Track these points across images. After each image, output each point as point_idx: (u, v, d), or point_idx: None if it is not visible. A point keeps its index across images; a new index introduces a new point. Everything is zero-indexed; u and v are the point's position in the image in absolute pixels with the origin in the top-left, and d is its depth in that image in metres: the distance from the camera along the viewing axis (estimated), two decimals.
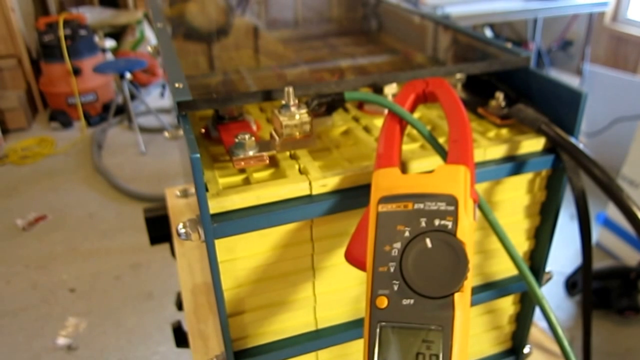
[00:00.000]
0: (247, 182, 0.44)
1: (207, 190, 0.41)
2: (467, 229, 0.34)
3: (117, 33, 3.84)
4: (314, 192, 0.43)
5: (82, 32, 3.28)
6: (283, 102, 0.44)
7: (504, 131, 0.52)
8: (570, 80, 0.48)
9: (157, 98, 3.63)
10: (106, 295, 1.96)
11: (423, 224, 0.34)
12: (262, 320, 0.48)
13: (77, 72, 3.22)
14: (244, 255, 0.44)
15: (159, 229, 0.97)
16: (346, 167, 0.44)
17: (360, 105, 0.57)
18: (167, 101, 3.52)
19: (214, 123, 0.50)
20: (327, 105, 0.48)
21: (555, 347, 0.67)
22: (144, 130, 3.16)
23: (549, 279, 0.58)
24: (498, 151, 0.48)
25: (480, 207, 0.44)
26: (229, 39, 0.73)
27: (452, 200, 0.35)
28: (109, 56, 3.46)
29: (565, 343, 0.47)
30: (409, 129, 0.48)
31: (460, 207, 0.35)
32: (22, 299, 1.94)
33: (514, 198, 0.53)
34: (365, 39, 0.72)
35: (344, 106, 0.57)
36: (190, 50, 0.66)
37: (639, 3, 3.09)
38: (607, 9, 3.05)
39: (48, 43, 3.19)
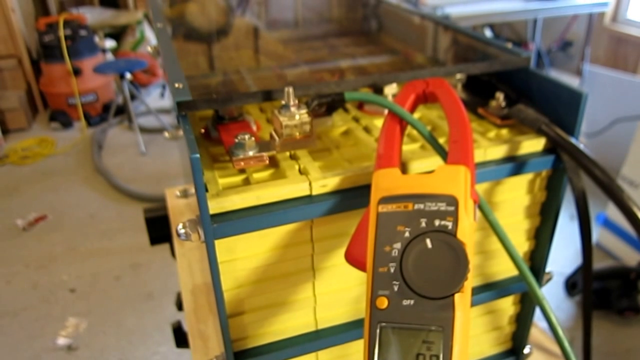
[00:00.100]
0: (247, 182, 0.44)
1: (207, 190, 0.41)
2: (468, 230, 0.34)
3: (117, 33, 3.84)
4: (314, 193, 0.43)
5: (83, 33, 3.28)
6: (283, 102, 0.44)
7: (504, 131, 0.52)
8: (570, 80, 0.48)
9: (157, 98, 3.63)
10: (106, 295, 1.96)
11: (423, 225, 0.34)
12: (262, 321, 0.48)
13: (77, 72, 3.22)
14: (243, 255, 0.44)
15: (159, 229, 0.97)
16: (346, 167, 0.44)
17: (360, 105, 0.57)
18: (167, 101, 3.52)
19: (213, 123, 0.50)
20: (327, 105, 0.48)
21: (555, 348, 0.67)
22: (144, 130, 3.16)
23: (549, 279, 0.58)
24: (498, 151, 0.48)
25: (481, 208, 0.44)
26: (229, 39, 0.73)
27: (452, 201, 0.35)
28: (109, 56, 3.46)
29: (566, 344, 0.47)
30: (409, 129, 0.48)
31: (461, 207, 0.35)
32: (22, 299, 1.94)
33: (514, 198, 0.53)
34: (365, 40, 0.72)
35: (344, 106, 0.57)
36: (190, 50, 0.66)
37: (638, 3, 3.09)
38: (607, 10, 3.05)
39: (48, 43, 3.19)
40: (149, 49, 0.71)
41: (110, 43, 3.46)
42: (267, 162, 0.44)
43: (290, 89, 0.43)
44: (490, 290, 0.55)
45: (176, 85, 0.45)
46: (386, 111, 0.46)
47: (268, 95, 0.45)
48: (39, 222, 2.37)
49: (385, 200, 0.37)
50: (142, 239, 1.04)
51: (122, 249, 2.20)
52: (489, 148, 0.47)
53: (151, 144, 3.06)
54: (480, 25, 3.14)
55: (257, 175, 0.45)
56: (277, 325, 0.49)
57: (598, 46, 3.27)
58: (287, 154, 0.47)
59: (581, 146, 0.45)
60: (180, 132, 0.43)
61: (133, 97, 3.14)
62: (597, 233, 2.08)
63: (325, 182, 0.43)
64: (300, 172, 0.44)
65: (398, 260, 0.34)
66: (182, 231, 0.40)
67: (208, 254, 0.41)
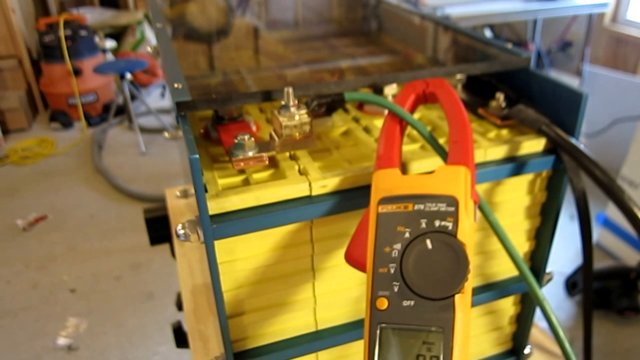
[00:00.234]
0: (246, 182, 0.44)
1: (206, 191, 0.41)
2: (468, 230, 0.34)
3: (118, 34, 3.85)
4: (314, 193, 0.43)
5: (83, 33, 3.28)
6: (283, 102, 0.44)
7: (505, 132, 0.52)
8: (569, 81, 0.48)
9: (157, 98, 3.63)
10: (106, 295, 1.96)
11: (423, 225, 0.34)
12: (262, 322, 0.48)
13: (77, 72, 3.22)
14: (243, 256, 0.44)
15: (158, 229, 0.97)
16: (346, 167, 0.44)
17: (360, 105, 0.57)
18: (168, 101, 3.52)
19: (213, 124, 0.50)
20: (327, 105, 0.48)
21: (555, 348, 0.67)
22: (144, 130, 3.16)
23: (550, 279, 0.58)
24: (498, 152, 0.48)
25: (481, 208, 0.44)
26: (229, 39, 0.73)
27: (452, 201, 0.35)
28: (110, 57, 3.46)
29: (567, 344, 0.47)
30: (409, 129, 0.48)
31: (461, 208, 0.34)
32: (22, 299, 1.94)
33: (515, 199, 0.52)
34: (365, 40, 0.72)
35: (344, 107, 0.57)
36: (190, 50, 0.66)
37: (638, 4, 3.09)
38: (606, 10, 3.05)
39: (48, 43, 3.19)
40: (149, 49, 0.71)
41: (110, 43, 3.46)
42: (267, 162, 0.44)
43: (290, 90, 0.43)
44: (490, 290, 0.55)
45: (175, 85, 0.45)
46: (386, 111, 0.46)
47: (268, 96, 0.45)
48: (39, 222, 2.37)
49: (385, 200, 0.37)
50: (142, 239, 1.04)
51: (122, 249, 2.20)
52: (489, 148, 0.47)
53: (151, 144, 3.05)
54: (480, 26, 3.13)
55: (256, 176, 0.45)
56: (277, 326, 0.49)
57: (598, 47, 3.27)
58: (287, 154, 0.47)
59: (581, 146, 0.45)
60: (180, 133, 0.43)
61: (133, 97, 3.14)
62: (597, 233, 2.08)
63: (325, 183, 0.43)
64: (300, 172, 0.44)
65: (398, 261, 0.34)
66: (181, 232, 0.40)
67: (208, 254, 0.41)
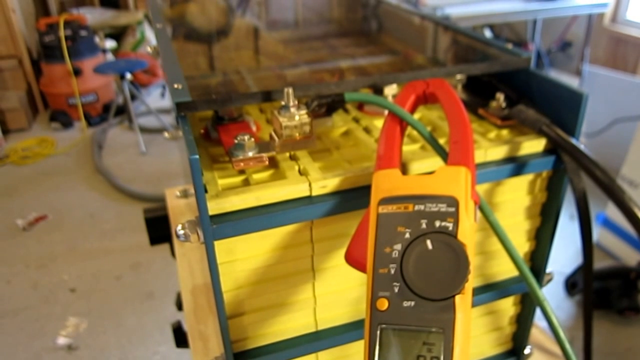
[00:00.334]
0: (246, 183, 0.44)
1: (206, 191, 0.41)
2: (468, 231, 0.34)
3: (118, 34, 3.85)
4: (314, 194, 0.43)
5: (83, 33, 3.28)
6: (283, 103, 0.44)
7: (505, 132, 0.52)
8: (569, 81, 0.48)
9: (157, 98, 3.63)
10: (106, 295, 1.96)
11: (424, 226, 0.34)
12: (262, 322, 0.48)
13: (77, 72, 3.22)
14: (243, 256, 0.44)
15: (158, 229, 0.97)
16: (346, 168, 0.44)
17: (360, 106, 0.57)
18: (168, 101, 3.52)
19: (213, 124, 0.50)
20: (327, 106, 0.48)
21: (555, 348, 0.67)
22: (144, 130, 3.16)
23: (550, 280, 0.58)
24: (499, 152, 0.48)
25: (481, 209, 0.44)
26: (229, 39, 0.73)
27: (452, 202, 0.35)
28: (110, 57, 3.46)
29: (567, 345, 0.47)
30: (409, 129, 0.48)
31: (461, 208, 0.34)
32: (22, 298, 1.94)
33: (515, 199, 0.52)
34: (365, 40, 0.72)
35: (344, 107, 0.57)
36: (190, 51, 0.66)
37: (638, 4, 3.09)
38: (606, 10, 3.05)
39: (49, 44, 3.19)
40: (149, 49, 0.71)
41: (110, 43, 3.47)
42: (267, 162, 0.44)
43: (290, 90, 0.43)
44: (490, 290, 0.55)
45: (175, 86, 0.45)
46: (386, 112, 0.46)
47: (268, 96, 0.45)
48: (39, 222, 2.37)
49: (385, 201, 0.37)
50: (142, 238, 1.04)
51: (122, 248, 2.20)
52: (490, 149, 0.47)
53: (151, 144, 3.05)
54: (480, 26, 3.14)
55: (256, 176, 0.45)
56: (277, 326, 0.49)
57: (597, 47, 3.27)
58: (287, 154, 0.47)
59: (582, 147, 0.45)
60: (180, 133, 0.43)
61: (133, 97, 3.14)
62: (597, 233, 2.08)
63: (325, 183, 0.43)
64: (300, 172, 0.44)
65: (398, 262, 0.34)
66: (181, 232, 0.40)
67: (208, 255, 0.41)
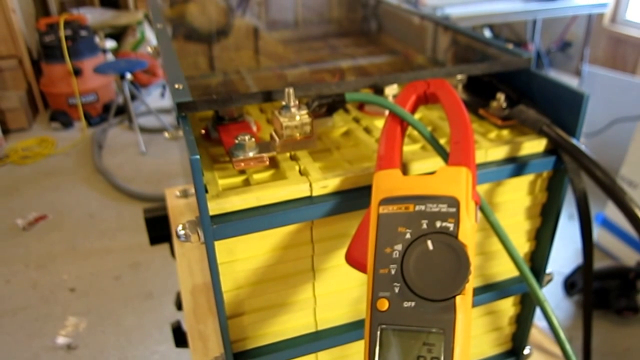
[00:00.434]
0: (247, 183, 0.44)
1: (206, 191, 0.41)
2: (469, 231, 0.34)
3: (118, 34, 3.84)
4: (315, 194, 0.43)
5: (83, 33, 3.28)
6: (283, 103, 0.44)
7: (505, 132, 0.51)
8: (569, 81, 0.48)
9: (157, 98, 3.63)
10: (106, 294, 1.96)
11: (424, 226, 0.34)
12: (262, 322, 0.48)
13: (77, 72, 3.22)
14: (243, 256, 0.44)
15: (158, 229, 0.97)
16: (347, 168, 0.44)
17: (360, 106, 0.57)
18: (168, 101, 3.52)
19: (214, 124, 0.50)
20: (327, 106, 0.48)
21: (555, 348, 0.67)
22: (144, 130, 3.16)
23: (550, 280, 0.58)
24: (499, 152, 0.48)
25: (482, 209, 0.44)
26: (229, 39, 0.73)
27: (453, 202, 0.35)
28: (110, 57, 3.46)
29: (567, 346, 0.47)
30: (409, 130, 0.48)
31: (462, 209, 0.34)
32: (22, 298, 1.94)
33: (515, 199, 0.52)
34: (366, 40, 0.72)
35: (344, 107, 0.57)
36: (190, 51, 0.66)
37: (637, 4, 3.09)
38: (606, 11, 3.05)
39: (49, 44, 3.19)
40: (149, 49, 0.71)
41: (110, 43, 3.46)
42: (267, 163, 0.44)
43: (291, 90, 0.43)
44: (490, 291, 0.55)
45: (176, 86, 0.45)
46: (387, 112, 0.46)
47: (268, 96, 0.45)
48: (39, 222, 2.37)
49: (386, 201, 0.37)
50: (141, 238, 1.04)
51: (121, 248, 2.20)
52: (490, 149, 0.47)
53: (151, 143, 3.05)
54: (479, 26, 3.14)
55: (257, 176, 0.44)
56: (276, 327, 0.49)
57: (597, 47, 3.27)
58: (288, 154, 0.47)
59: (583, 147, 0.45)
60: (181, 133, 0.43)
61: (133, 97, 3.14)
62: (596, 233, 2.08)
63: (325, 183, 0.43)
64: (301, 173, 0.44)
65: (399, 262, 0.34)
66: (181, 232, 0.40)
67: (208, 255, 0.41)
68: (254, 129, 0.51)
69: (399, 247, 0.34)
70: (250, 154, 0.43)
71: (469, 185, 0.36)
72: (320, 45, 0.69)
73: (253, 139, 0.43)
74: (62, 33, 3.16)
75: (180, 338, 0.87)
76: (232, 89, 0.52)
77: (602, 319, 1.75)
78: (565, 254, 1.99)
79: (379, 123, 0.52)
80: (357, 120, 0.55)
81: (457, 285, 0.32)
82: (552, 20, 3.34)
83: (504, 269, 0.56)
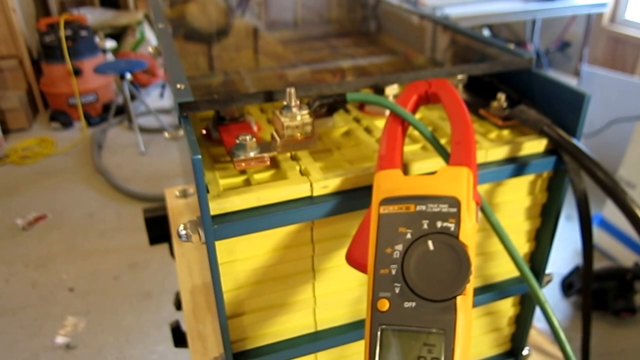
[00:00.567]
0: (247, 183, 0.44)
1: (207, 191, 0.41)
2: (470, 232, 0.34)
3: (118, 34, 3.84)
4: (315, 194, 0.43)
5: (83, 33, 3.28)
6: (285, 103, 0.44)
7: (506, 132, 0.51)
8: (567, 81, 0.48)
9: (156, 98, 3.63)
10: (105, 294, 1.96)
11: (425, 226, 0.34)
12: (262, 322, 0.48)
13: (77, 72, 3.22)
14: (244, 256, 0.44)
15: (158, 229, 0.97)
16: (347, 168, 0.44)
17: (361, 106, 0.57)
18: (167, 102, 3.52)
19: (214, 124, 0.50)
20: (328, 106, 0.48)
21: (553, 349, 0.67)
22: (143, 130, 3.16)
23: (549, 281, 0.58)
24: (500, 153, 0.48)
25: (483, 209, 0.44)
26: (230, 40, 0.72)
27: (454, 202, 0.35)
28: (110, 57, 3.46)
29: (567, 347, 0.47)
30: (409, 130, 0.48)
31: (463, 209, 0.34)
32: (21, 298, 1.94)
33: (515, 200, 0.52)
34: (367, 40, 0.72)
35: (345, 107, 0.57)
36: (191, 51, 0.66)
37: (637, 4, 3.09)
38: (605, 10, 3.06)
39: (49, 44, 3.19)
40: (150, 49, 0.71)
41: (110, 43, 3.46)
42: (268, 163, 0.44)
43: (292, 90, 0.43)
44: (490, 291, 0.55)
45: (178, 86, 0.45)
46: (387, 112, 0.46)
47: (270, 96, 0.45)
48: (38, 222, 2.37)
49: (386, 201, 0.37)
50: (141, 238, 1.04)
51: (121, 248, 2.19)
52: (491, 149, 0.47)
53: (151, 144, 3.05)
54: (478, 26, 3.14)
55: (258, 176, 0.44)
56: (276, 327, 0.49)
57: (596, 47, 3.27)
58: (288, 154, 0.47)
59: (583, 147, 0.45)
60: (180, 132, 0.43)
61: (133, 97, 3.14)
62: (593, 234, 2.07)
63: (326, 183, 0.43)
64: (301, 173, 0.44)
65: (399, 262, 0.34)
66: (183, 232, 0.40)
67: (208, 255, 0.40)
68: (255, 129, 0.51)
69: (399, 247, 0.34)
70: (251, 154, 0.43)
71: (470, 185, 0.36)
72: (320, 45, 0.69)
73: (254, 139, 0.43)
74: (62, 33, 3.15)
75: (179, 338, 0.87)
76: (233, 89, 0.52)
77: (599, 319, 1.75)
78: (562, 254, 1.99)
79: (380, 123, 0.52)
80: (357, 120, 0.55)
81: (457, 286, 0.32)
82: (551, 20, 3.34)
83: (504, 270, 0.56)
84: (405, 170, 0.44)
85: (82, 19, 3.38)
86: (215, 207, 0.40)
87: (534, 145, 0.49)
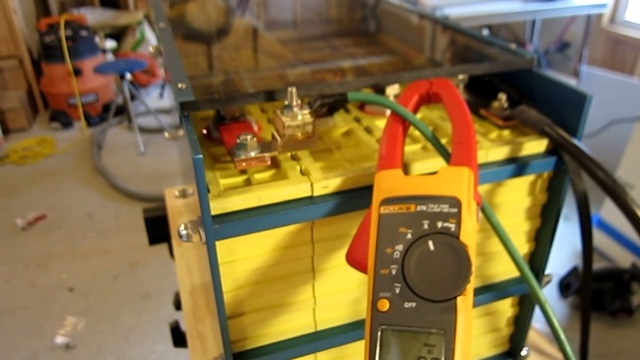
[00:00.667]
0: (248, 183, 0.44)
1: (208, 191, 0.41)
2: (470, 232, 0.34)
3: (118, 34, 3.84)
4: (316, 194, 0.43)
5: (83, 33, 3.28)
6: (286, 102, 0.44)
7: (506, 132, 0.51)
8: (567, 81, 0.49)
9: (156, 98, 3.63)
10: (104, 294, 1.96)
11: (426, 226, 0.34)
12: (262, 322, 0.48)
13: (77, 72, 3.22)
14: (244, 256, 0.44)
15: (158, 229, 0.97)
16: (348, 168, 0.44)
17: (361, 105, 0.57)
18: (166, 102, 3.52)
19: (215, 124, 0.50)
20: (328, 105, 0.48)
21: (552, 350, 0.67)
22: (143, 130, 3.16)
23: (549, 281, 0.58)
24: (500, 153, 0.48)
25: (483, 210, 0.44)
26: (231, 39, 0.72)
27: (455, 203, 0.35)
28: (110, 57, 3.46)
29: (567, 347, 0.47)
30: (410, 129, 0.48)
31: (464, 209, 0.34)
32: (21, 298, 1.94)
33: (515, 200, 0.52)
34: (368, 40, 0.72)
35: (345, 107, 0.57)
36: (191, 50, 0.66)
37: (636, 5, 3.09)
38: (605, 11, 3.06)
39: (49, 44, 3.19)
40: (151, 49, 0.71)
41: (110, 43, 3.46)
42: (269, 162, 0.44)
43: (294, 89, 0.43)
44: (489, 292, 0.55)
45: (179, 85, 0.45)
46: (387, 112, 0.46)
47: (271, 96, 0.45)
48: (38, 222, 2.37)
49: (387, 201, 0.36)
50: (140, 238, 1.04)
51: (120, 248, 2.19)
52: (491, 149, 0.47)
53: (150, 144, 3.05)
54: (478, 27, 3.14)
55: (258, 176, 0.44)
56: (276, 327, 0.49)
57: (596, 47, 3.27)
58: (288, 154, 0.47)
59: (584, 148, 0.45)
60: (180, 132, 0.43)
61: (133, 98, 3.14)
62: None
63: (326, 183, 0.42)
64: (302, 173, 0.44)
65: (400, 262, 0.34)
66: (183, 232, 0.39)
67: (209, 255, 0.40)
68: (255, 128, 0.51)
69: (400, 247, 0.34)
70: (252, 154, 0.43)
71: (470, 185, 0.36)
72: (320, 45, 0.69)
73: (255, 139, 0.43)
74: (63, 33, 3.15)
75: (178, 338, 0.87)
76: (234, 89, 0.52)
77: (596, 320, 1.75)
78: (560, 255, 1.99)
79: (380, 123, 0.52)
80: (358, 120, 0.55)
81: (458, 286, 0.32)
82: (550, 21, 3.34)
83: (503, 270, 0.56)
84: (406, 170, 0.44)
85: (82, 19, 3.38)
86: (216, 206, 0.40)
87: (535, 146, 0.49)
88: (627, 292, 1.74)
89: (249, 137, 0.42)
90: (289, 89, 0.43)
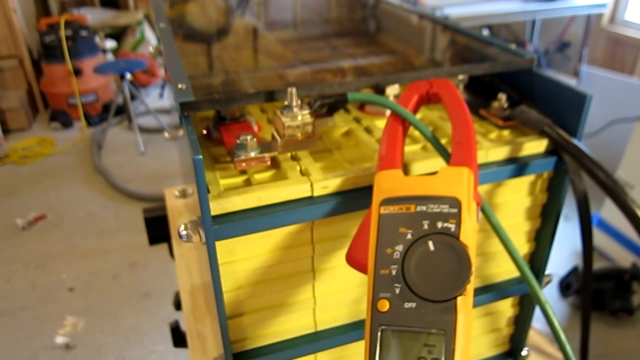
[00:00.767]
0: (248, 183, 0.44)
1: (208, 191, 0.41)
2: (470, 232, 0.34)
3: (118, 34, 3.84)
4: (316, 194, 0.43)
5: (83, 33, 3.28)
6: (286, 102, 0.44)
7: (506, 133, 0.51)
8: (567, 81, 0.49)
9: (156, 98, 3.63)
10: (104, 294, 1.96)
11: (426, 227, 0.34)
12: (262, 322, 0.48)
13: (77, 72, 3.22)
14: (244, 257, 0.44)
15: (158, 229, 0.97)
16: (347, 168, 0.44)
17: (361, 106, 0.57)
18: (166, 102, 3.52)
19: (215, 124, 0.50)
20: (328, 106, 0.48)
21: (552, 350, 0.67)
22: (143, 130, 3.16)
23: (549, 281, 0.58)
24: (500, 153, 0.48)
25: (483, 210, 0.44)
26: (231, 39, 0.72)
27: (455, 203, 0.35)
28: (110, 57, 3.46)
29: (568, 347, 0.47)
30: (410, 130, 0.48)
31: (464, 209, 0.34)
32: (21, 298, 1.94)
33: (515, 200, 0.52)
34: (368, 40, 0.72)
35: (345, 107, 0.57)
36: (191, 51, 0.66)
37: (636, 5, 3.09)
38: (604, 11, 3.06)
39: (49, 44, 3.19)
40: (151, 49, 0.71)
41: (110, 43, 3.46)
42: (269, 163, 0.44)
43: (294, 90, 0.43)
44: (489, 292, 0.55)
45: (180, 85, 0.45)
46: (387, 112, 0.46)
47: (271, 96, 0.45)
48: (38, 222, 2.37)
49: (387, 201, 0.36)
50: (140, 238, 1.04)
51: (120, 248, 2.19)
52: (491, 149, 0.47)
53: (150, 144, 3.05)
54: (478, 27, 3.14)
55: (258, 176, 0.44)
56: (276, 327, 0.49)
57: (595, 47, 3.27)
58: (288, 155, 0.47)
59: (584, 148, 0.45)
60: (180, 132, 0.43)
61: (133, 97, 3.14)
62: None
63: (326, 184, 0.42)
64: (302, 173, 0.44)
65: (400, 263, 0.34)
66: (183, 232, 0.39)
67: (209, 255, 0.40)
68: (255, 128, 0.51)
69: (400, 247, 0.34)
70: (252, 154, 0.43)
71: (470, 185, 0.36)
72: (320, 45, 0.69)
73: (255, 139, 0.43)
74: (63, 33, 3.15)
75: (178, 338, 0.87)
76: (234, 89, 0.52)
77: (596, 320, 1.75)
78: (560, 255, 1.99)
79: (380, 123, 0.52)
80: (357, 120, 0.55)
81: (458, 286, 0.32)
82: (550, 21, 3.34)
83: (503, 270, 0.56)
84: (406, 170, 0.44)
85: (82, 19, 3.38)
86: (216, 207, 0.40)
87: (535, 146, 0.49)
88: (627, 291, 1.74)
89: (249, 137, 0.42)
90: (289, 89, 0.43)
